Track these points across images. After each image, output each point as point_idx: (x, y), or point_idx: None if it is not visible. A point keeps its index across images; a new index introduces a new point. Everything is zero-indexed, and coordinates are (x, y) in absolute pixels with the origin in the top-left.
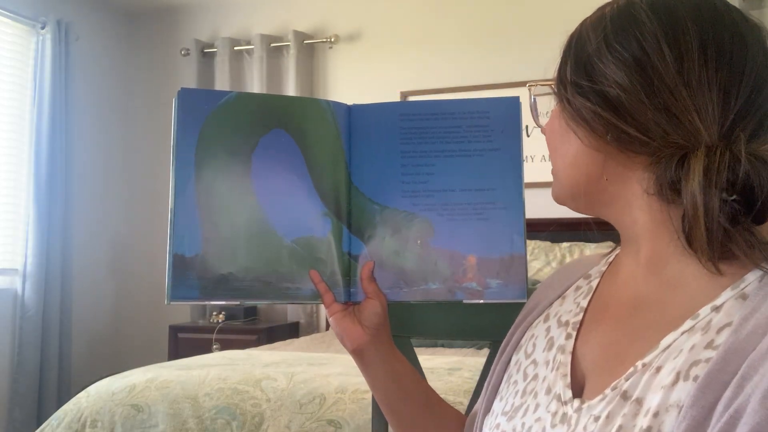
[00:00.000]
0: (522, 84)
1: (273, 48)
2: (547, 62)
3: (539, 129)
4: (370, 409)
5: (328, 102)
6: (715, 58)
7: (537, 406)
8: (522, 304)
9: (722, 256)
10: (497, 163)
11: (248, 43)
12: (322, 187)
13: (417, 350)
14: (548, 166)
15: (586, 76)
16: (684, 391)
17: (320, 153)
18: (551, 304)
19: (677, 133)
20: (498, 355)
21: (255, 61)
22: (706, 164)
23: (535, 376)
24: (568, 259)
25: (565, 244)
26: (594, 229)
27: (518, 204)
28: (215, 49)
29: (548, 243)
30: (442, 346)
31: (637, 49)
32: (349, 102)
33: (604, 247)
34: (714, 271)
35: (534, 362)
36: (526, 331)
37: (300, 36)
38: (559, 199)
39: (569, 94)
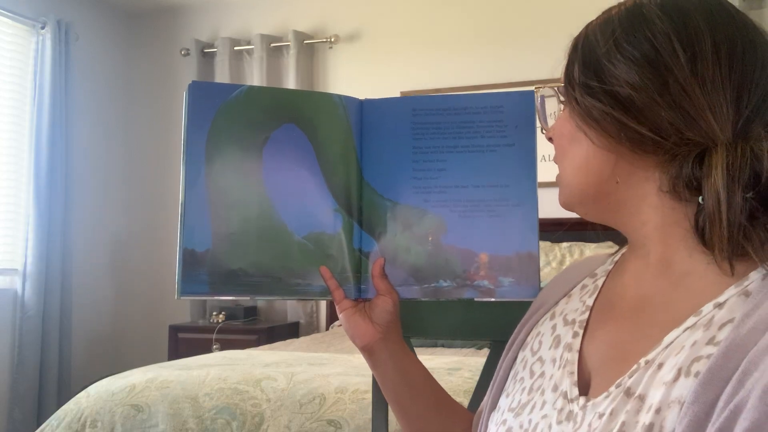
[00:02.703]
0: (523, 84)
1: (273, 48)
2: (549, 62)
3: (544, 133)
4: (370, 409)
5: (340, 96)
6: (727, 59)
7: (543, 403)
8: (527, 303)
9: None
10: (511, 159)
11: (248, 43)
12: (333, 183)
13: (417, 350)
14: (548, 166)
15: (596, 77)
16: (685, 388)
17: (331, 148)
18: (557, 302)
19: (691, 131)
20: (504, 352)
21: (255, 61)
22: (729, 161)
23: (542, 374)
24: (568, 259)
25: (565, 244)
26: (596, 229)
27: (532, 201)
28: (215, 49)
29: (548, 243)
30: (442, 346)
31: (649, 49)
32: None
33: (605, 247)
34: (728, 271)
35: (540, 360)
36: (532, 329)
37: (300, 36)
38: (567, 205)
39: (578, 94)
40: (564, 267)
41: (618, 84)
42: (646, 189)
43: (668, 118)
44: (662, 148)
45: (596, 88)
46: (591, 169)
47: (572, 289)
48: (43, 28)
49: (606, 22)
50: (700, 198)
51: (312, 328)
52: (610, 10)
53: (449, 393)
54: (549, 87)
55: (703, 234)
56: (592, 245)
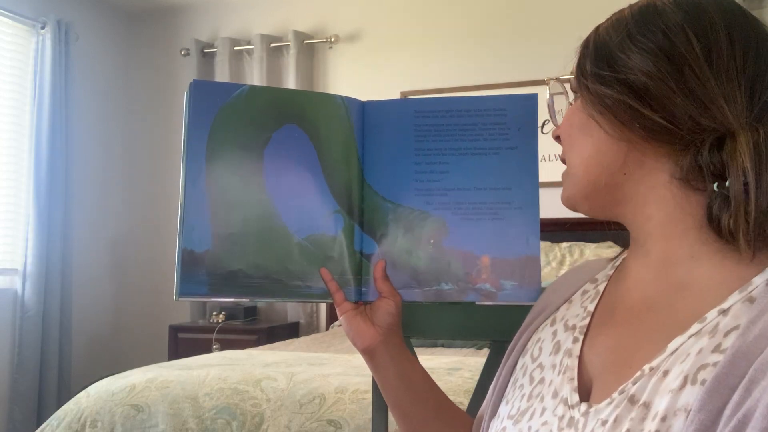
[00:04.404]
0: (523, 84)
1: (273, 48)
2: (550, 62)
3: (550, 132)
4: (370, 409)
5: (342, 97)
6: (741, 51)
7: (543, 410)
8: (527, 306)
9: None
10: (513, 162)
11: (248, 43)
12: (334, 185)
13: (417, 350)
14: (549, 166)
15: (608, 67)
16: (692, 395)
17: (333, 149)
18: (558, 308)
19: (706, 119)
20: (504, 358)
21: (255, 61)
22: (756, 141)
23: (542, 380)
24: (568, 259)
25: (565, 244)
26: (596, 230)
27: (533, 204)
28: (215, 49)
29: (548, 243)
30: (442, 346)
31: (663, 39)
32: None
33: (605, 247)
34: (749, 257)
35: (540, 366)
36: (532, 335)
37: (300, 36)
38: (572, 200)
39: (590, 83)
40: (564, 267)
41: (632, 73)
42: (656, 180)
43: (683, 106)
44: (675, 137)
45: (609, 77)
46: (602, 158)
47: (573, 294)
48: (43, 28)
49: (618, 20)
50: (715, 185)
51: (312, 328)
52: (622, 10)
53: (449, 393)
54: (559, 80)
55: (719, 223)
56: (593, 245)
